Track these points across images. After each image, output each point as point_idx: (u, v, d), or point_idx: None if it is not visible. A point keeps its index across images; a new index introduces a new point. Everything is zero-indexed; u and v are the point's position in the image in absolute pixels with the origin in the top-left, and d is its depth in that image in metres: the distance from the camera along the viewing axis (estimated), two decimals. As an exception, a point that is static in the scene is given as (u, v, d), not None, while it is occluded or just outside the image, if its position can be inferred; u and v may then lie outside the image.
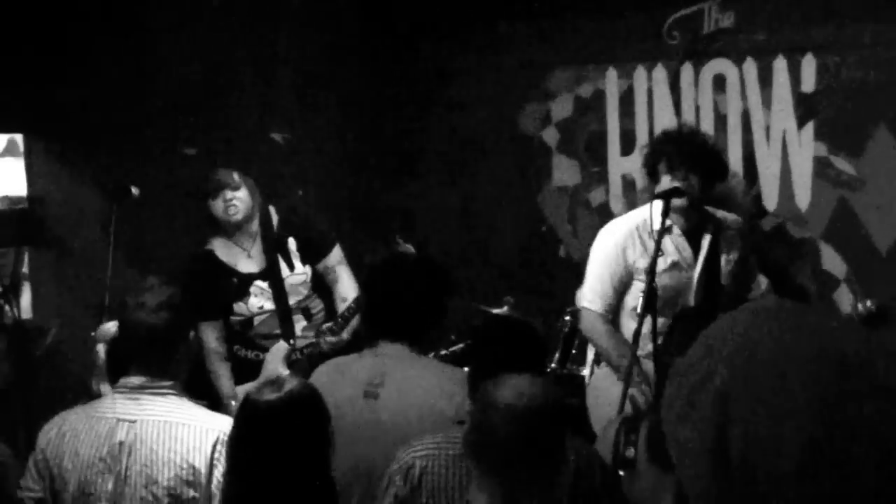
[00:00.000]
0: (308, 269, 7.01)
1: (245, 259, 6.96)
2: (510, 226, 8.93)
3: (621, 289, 6.41)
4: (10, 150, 8.07)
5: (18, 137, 8.03)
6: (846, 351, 2.42)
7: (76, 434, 4.46)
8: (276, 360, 6.88)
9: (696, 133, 6.69)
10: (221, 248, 7.00)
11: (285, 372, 6.77)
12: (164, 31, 8.07)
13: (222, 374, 6.89)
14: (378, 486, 4.40)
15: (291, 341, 6.90)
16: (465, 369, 6.33)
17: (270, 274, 6.93)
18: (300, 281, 6.98)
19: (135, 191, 7.31)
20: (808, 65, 7.62)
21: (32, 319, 7.90)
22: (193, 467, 4.34)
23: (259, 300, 6.94)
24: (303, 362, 6.81)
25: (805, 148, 7.66)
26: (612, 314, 6.51)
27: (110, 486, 4.36)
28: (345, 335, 6.78)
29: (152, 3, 8.01)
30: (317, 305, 7.07)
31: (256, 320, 6.97)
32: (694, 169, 6.14)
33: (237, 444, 4.08)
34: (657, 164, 6.31)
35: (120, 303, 4.69)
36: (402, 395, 4.78)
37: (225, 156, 8.17)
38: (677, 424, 2.51)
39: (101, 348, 5.02)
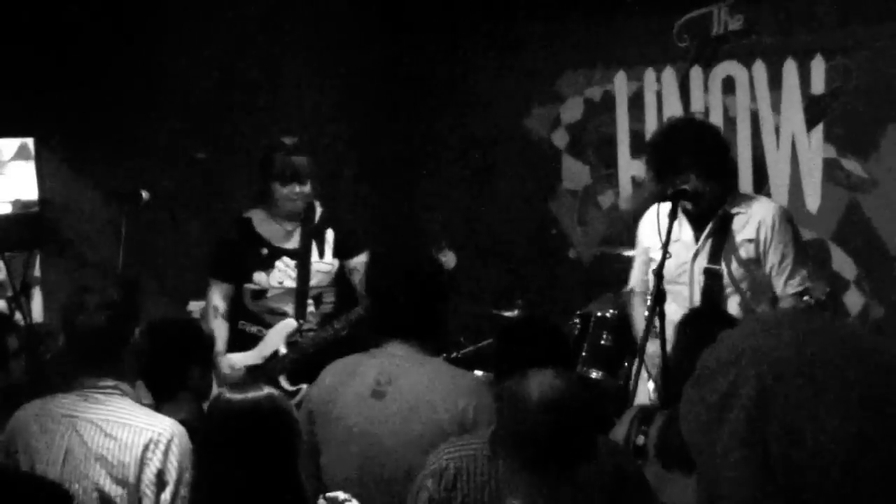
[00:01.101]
0: (336, 262, 7.07)
1: (281, 235, 7.00)
2: (520, 228, 8.93)
3: (644, 268, 6.52)
4: (21, 154, 8.08)
5: (29, 141, 8.04)
6: (879, 353, 2.43)
7: (28, 423, 4.61)
8: (278, 336, 6.92)
9: (693, 127, 6.60)
10: (260, 220, 7.05)
11: (283, 349, 6.89)
12: (175, 36, 8.09)
13: (218, 335, 6.89)
14: (409, 491, 4.38)
15: (300, 321, 6.93)
16: (477, 373, 6.38)
17: (301, 254, 7.00)
18: (326, 270, 7.03)
19: (145, 194, 7.33)
20: (818, 67, 7.62)
21: (43, 322, 7.91)
22: (124, 465, 4.39)
23: (281, 276, 6.97)
24: (303, 346, 6.85)
25: (815, 150, 7.65)
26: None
27: (50, 477, 4.43)
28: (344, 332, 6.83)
29: (163, 8, 8.02)
30: (330, 297, 7.11)
31: (270, 292, 6.99)
32: (692, 170, 6.11)
33: (202, 443, 4.11)
34: (661, 166, 6.28)
35: (63, 304, 4.74)
36: (410, 395, 4.78)
37: (234, 160, 8.21)
38: (705, 432, 2.52)
39: None
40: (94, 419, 4.48)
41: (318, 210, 7.12)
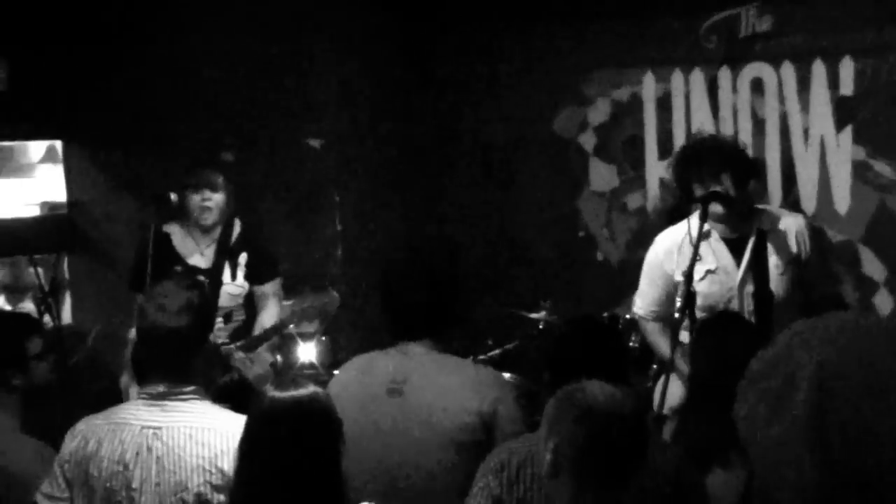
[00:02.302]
0: (247, 285, 7.12)
1: (196, 253, 7.04)
2: (547, 229, 8.92)
3: (667, 298, 6.36)
4: (49, 157, 8.13)
5: (58, 144, 8.09)
6: None
7: (100, 441, 4.42)
8: None
9: (715, 138, 6.59)
10: (178, 236, 7.09)
11: None
12: (203, 39, 8.10)
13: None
14: (469, 489, 4.35)
15: None
16: (505, 374, 6.36)
17: (213, 274, 7.02)
18: (237, 292, 7.07)
19: (173, 197, 7.33)
20: (847, 68, 7.60)
21: (72, 324, 7.95)
22: (222, 471, 4.31)
23: None
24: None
25: (844, 152, 7.63)
26: (662, 321, 6.45)
27: (135, 493, 4.34)
28: (253, 364, 6.84)
29: (190, 11, 8.04)
30: (240, 314, 7.15)
31: None
32: (723, 171, 6.06)
33: (248, 437, 4.07)
34: (689, 182, 6.21)
35: (138, 307, 4.64)
36: (426, 392, 4.75)
37: (262, 161, 8.22)
38: (763, 426, 2.50)
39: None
40: (179, 427, 4.41)
41: (237, 229, 7.15)
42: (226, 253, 7.08)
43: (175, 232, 7.10)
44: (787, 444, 2.42)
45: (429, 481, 4.63)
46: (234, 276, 7.08)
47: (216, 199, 6.98)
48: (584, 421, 3.77)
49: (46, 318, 7.19)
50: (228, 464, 4.26)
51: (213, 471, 4.30)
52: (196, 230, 7.06)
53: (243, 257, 7.09)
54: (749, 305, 6.06)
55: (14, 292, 8.07)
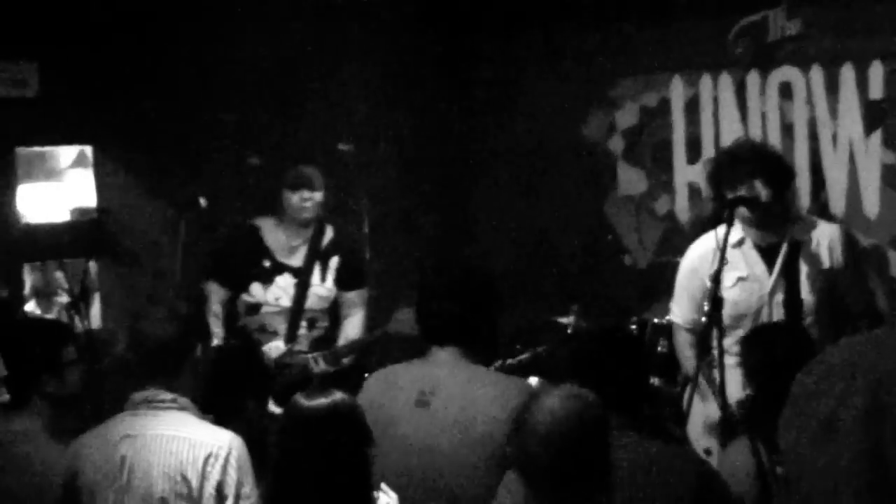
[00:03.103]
0: (335, 290, 7.07)
1: (286, 251, 7.00)
2: (575, 234, 8.92)
3: (702, 304, 6.32)
4: (79, 162, 8.17)
5: (88, 149, 8.12)
6: None
7: (86, 457, 4.53)
8: (266, 358, 6.93)
9: (753, 143, 6.55)
10: (269, 230, 7.05)
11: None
12: (231, 44, 8.12)
13: (216, 334, 6.93)
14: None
15: (290, 345, 6.94)
16: (532, 379, 6.36)
17: (303, 273, 6.99)
18: (325, 294, 7.02)
19: (202, 201, 7.36)
20: (876, 72, 7.58)
21: (101, 329, 7.97)
22: (187, 480, 4.37)
23: (279, 292, 6.96)
24: (291, 374, 6.85)
25: (873, 156, 7.61)
26: (696, 332, 6.42)
27: (113, 499, 4.42)
28: (331, 367, 6.85)
29: (220, 17, 8.06)
30: (324, 321, 7.09)
31: (265, 308, 6.99)
32: (755, 177, 6.03)
33: (279, 444, 4.09)
34: (720, 186, 6.17)
35: (131, 313, 4.76)
36: (454, 403, 4.74)
37: (290, 165, 8.23)
38: (811, 448, 2.48)
39: None
40: (153, 434, 4.47)
41: (329, 234, 7.11)
42: (317, 254, 7.04)
43: (266, 226, 7.08)
44: (840, 469, 2.40)
45: (457, 493, 4.62)
46: (323, 279, 7.04)
47: (315, 197, 6.95)
48: (526, 443, 3.77)
49: (76, 323, 7.22)
50: (193, 473, 4.33)
51: (178, 479, 4.36)
52: (290, 227, 7.02)
53: (335, 261, 7.06)
54: (778, 314, 6.03)
55: (44, 297, 8.11)
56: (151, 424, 4.49)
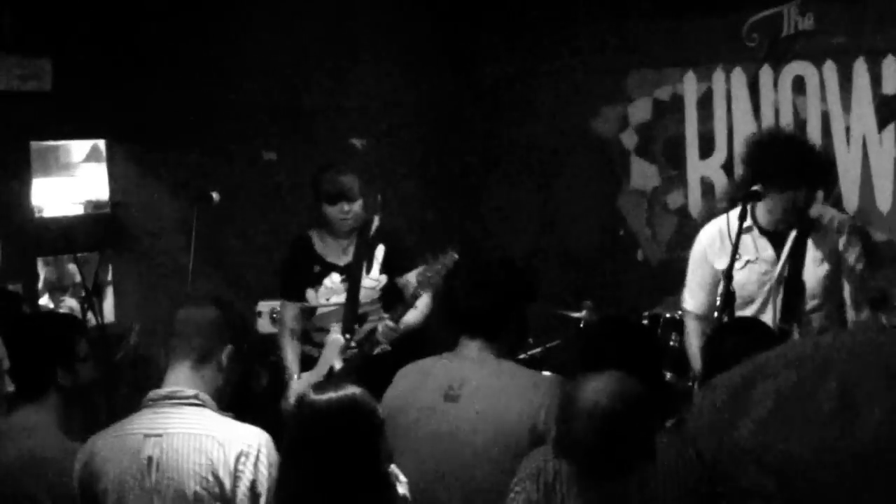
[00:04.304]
0: (384, 278, 7.03)
1: (335, 251, 7.01)
2: (588, 229, 8.92)
3: (713, 290, 6.33)
4: (93, 156, 8.17)
5: (101, 143, 8.13)
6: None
7: (106, 456, 4.45)
8: (331, 352, 6.91)
9: (804, 148, 6.38)
10: (318, 238, 7.06)
11: (338, 364, 6.86)
12: (245, 36, 8.13)
13: (289, 350, 6.95)
14: (505, 496, 4.35)
15: (347, 336, 6.91)
16: (545, 374, 6.37)
17: (353, 269, 6.99)
18: (371, 286, 6.98)
19: (215, 196, 7.36)
20: (889, 67, 7.57)
21: (114, 323, 7.99)
22: (219, 479, 4.32)
23: (328, 292, 6.98)
24: (356, 357, 6.83)
25: (886, 150, 7.60)
26: (707, 320, 6.43)
27: (143, 502, 4.38)
28: (400, 325, 6.80)
29: (233, 10, 8.06)
30: (375, 318, 7.00)
31: (319, 311, 7.01)
32: (798, 188, 5.99)
33: (291, 441, 4.09)
34: (756, 175, 6.10)
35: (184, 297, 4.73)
36: (482, 398, 4.76)
37: (304, 160, 8.24)
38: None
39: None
40: (179, 433, 4.43)
41: (376, 223, 7.10)
42: (364, 246, 7.01)
43: (316, 234, 7.08)
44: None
45: (484, 487, 4.63)
46: (369, 269, 7.01)
47: (354, 208, 6.90)
48: (577, 418, 3.80)
49: (89, 317, 7.23)
50: (226, 473, 4.29)
51: (210, 478, 4.31)
52: (333, 234, 7.02)
53: (380, 250, 7.02)
54: (780, 296, 6.05)
55: (57, 290, 8.12)
56: (175, 423, 4.43)
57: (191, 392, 4.46)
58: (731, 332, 5.11)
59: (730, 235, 5.82)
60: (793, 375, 2.99)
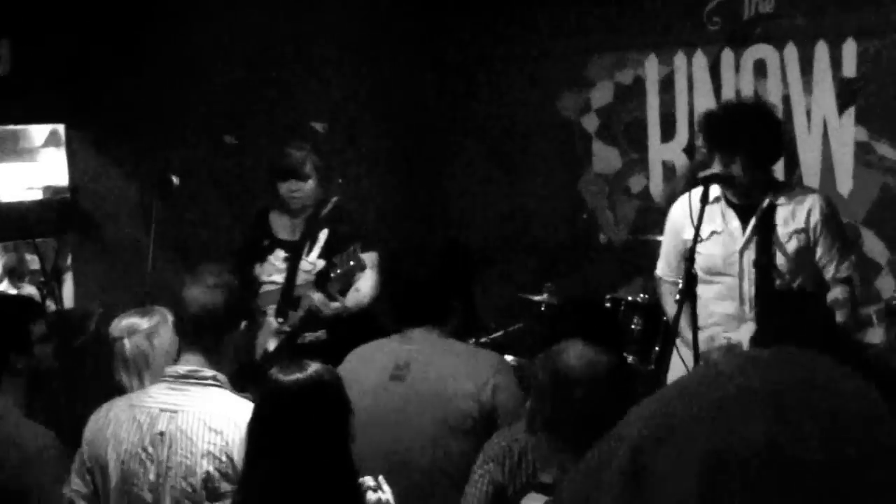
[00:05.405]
0: (321, 262, 6.82)
1: (286, 229, 6.95)
2: (550, 212, 8.92)
3: (682, 258, 6.36)
4: (51, 141, 8.11)
5: (60, 128, 8.06)
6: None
7: (119, 424, 4.46)
8: (265, 335, 6.79)
9: (743, 110, 6.42)
10: (276, 213, 7.01)
11: (271, 346, 6.75)
12: (204, 20, 8.08)
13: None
14: (469, 483, 4.35)
15: (280, 320, 6.81)
16: (508, 357, 6.37)
17: (295, 248, 6.91)
18: (307, 269, 6.82)
19: (175, 180, 7.33)
20: (849, 50, 7.59)
21: (74, 308, 7.94)
22: (231, 460, 4.32)
23: (271, 269, 6.91)
24: (288, 342, 6.72)
25: (846, 133, 7.63)
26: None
27: (151, 476, 4.36)
28: (336, 304, 6.62)
29: (192, -7, 8.04)
30: (307, 304, 6.75)
31: (262, 289, 6.91)
32: (736, 154, 6.00)
33: (256, 422, 4.07)
34: (713, 142, 6.13)
35: (184, 280, 4.68)
36: (429, 377, 4.78)
37: (265, 145, 8.21)
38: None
39: (126, 341, 5.04)
40: (196, 413, 4.42)
41: (330, 206, 7.00)
42: (311, 229, 6.94)
43: (276, 209, 7.03)
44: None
45: (428, 466, 4.65)
46: (309, 252, 6.91)
47: (304, 188, 6.86)
48: (556, 384, 3.81)
49: (49, 302, 7.18)
50: (238, 454, 4.27)
51: (224, 459, 4.31)
52: (286, 211, 6.96)
53: (323, 234, 6.93)
54: (750, 273, 6.05)
55: (16, 276, 8.07)
56: (192, 401, 4.42)
57: (209, 373, 4.47)
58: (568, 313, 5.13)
59: (691, 216, 5.82)
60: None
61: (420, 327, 4.94)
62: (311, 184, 6.87)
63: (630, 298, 7.23)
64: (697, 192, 6.00)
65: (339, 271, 6.44)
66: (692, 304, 5.64)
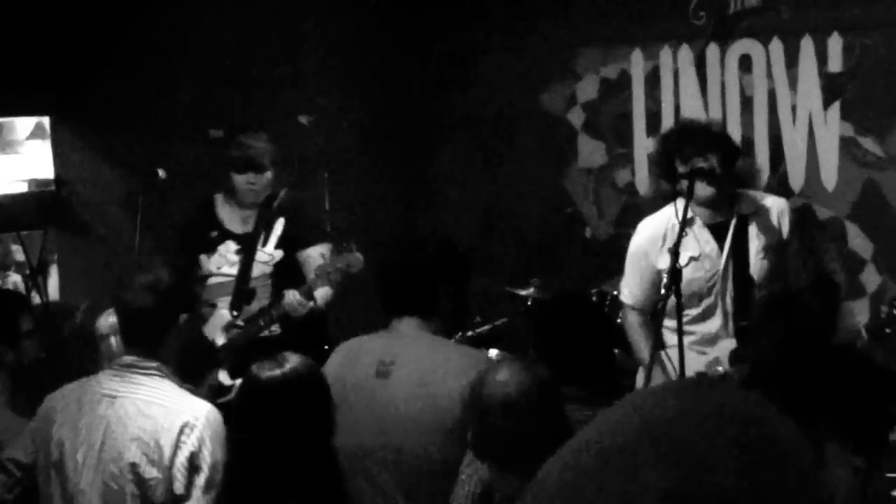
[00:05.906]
0: (279, 253, 6.80)
1: (236, 220, 6.84)
2: (536, 207, 8.91)
3: (651, 287, 6.38)
4: (36, 134, 8.10)
5: (45, 120, 8.06)
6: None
7: (66, 405, 4.60)
8: (214, 327, 6.66)
9: (700, 120, 6.59)
10: (222, 202, 6.91)
11: (220, 341, 6.62)
12: (191, 13, 8.07)
13: None
14: (457, 477, 4.35)
15: (234, 313, 6.69)
16: (493, 351, 6.37)
17: (248, 240, 6.78)
18: (264, 260, 6.74)
19: (161, 173, 7.31)
20: (835, 44, 7.60)
21: (59, 301, 7.94)
22: (160, 447, 4.39)
23: (221, 261, 6.79)
24: (241, 337, 6.60)
25: (831, 128, 7.64)
26: (645, 314, 6.47)
27: (84, 457, 4.45)
28: (312, 302, 6.50)
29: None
30: (265, 294, 6.74)
31: (210, 281, 6.80)
32: (709, 151, 6.06)
33: (237, 418, 4.09)
34: (672, 162, 6.18)
35: (116, 282, 4.78)
36: (414, 374, 4.76)
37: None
38: None
39: (112, 339, 5.09)
40: (133, 398, 4.49)
41: (281, 196, 6.88)
42: (264, 220, 6.80)
43: (220, 198, 6.92)
44: None
45: (413, 464, 4.64)
46: (264, 243, 6.78)
47: (262, 180, 6.74)
48: (482, 414, 3.82)
49: (34, 295, 7.18)
50: (167, 440, 4.34)
51: (152, 444, 4.39)
52: (239, 203, 6.83)
53: (280, 224, 6.82)
54: (730, 291, 6.09)
55: (1, 269, 8.07)
56: (132, 388, 4.52)
57: (153, 363, 4.53)
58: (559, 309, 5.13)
59: (676, 216, 5.84)
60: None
61: (408, 322, 4.92)
62: (268, 176, 6.76)
63: (615, 293, 7.23)
64: (663, 217, 6.04)
65: (328, 270, 6.38)
66: (678, 300, 5.67)
